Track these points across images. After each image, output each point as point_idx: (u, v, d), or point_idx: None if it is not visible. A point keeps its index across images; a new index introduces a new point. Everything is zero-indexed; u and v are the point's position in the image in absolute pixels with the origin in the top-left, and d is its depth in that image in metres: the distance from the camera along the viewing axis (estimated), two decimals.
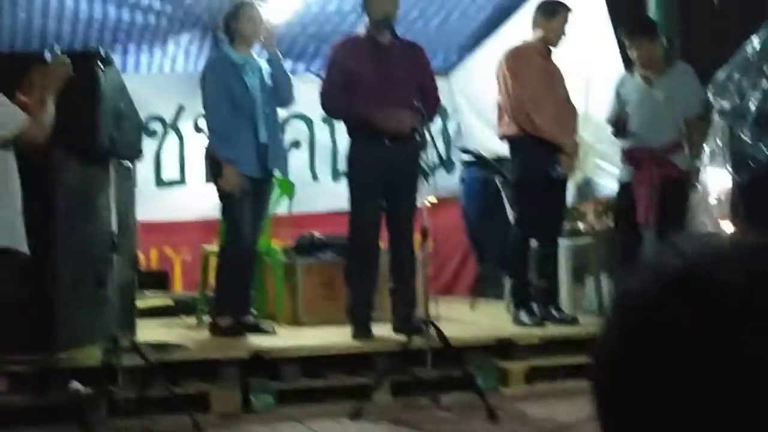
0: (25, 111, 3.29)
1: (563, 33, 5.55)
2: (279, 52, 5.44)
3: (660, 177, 5.41)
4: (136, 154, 4.93)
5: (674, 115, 5.50)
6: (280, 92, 5.33)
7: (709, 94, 5.53)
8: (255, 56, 5.41)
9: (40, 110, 3.28)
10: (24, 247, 3.26)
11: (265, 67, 5.40)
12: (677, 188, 5.43)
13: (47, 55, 3.47)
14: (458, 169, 7.49)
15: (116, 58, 6.90)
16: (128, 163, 4.87)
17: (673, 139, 5.48)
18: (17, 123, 3.19)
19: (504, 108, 5.50)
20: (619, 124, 5.59)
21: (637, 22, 5.75)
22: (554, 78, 5.56)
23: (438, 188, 4.90)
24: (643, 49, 5.50)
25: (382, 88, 4.94)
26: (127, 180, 4.75)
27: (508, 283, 6.01)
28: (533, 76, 5.43)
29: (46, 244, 4.08)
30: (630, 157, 5.55)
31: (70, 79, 3.54)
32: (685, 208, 5.49)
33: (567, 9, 5.53)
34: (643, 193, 5.41)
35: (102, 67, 4.13)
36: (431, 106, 5.07)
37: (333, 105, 5.21)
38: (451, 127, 8.06)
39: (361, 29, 5.25)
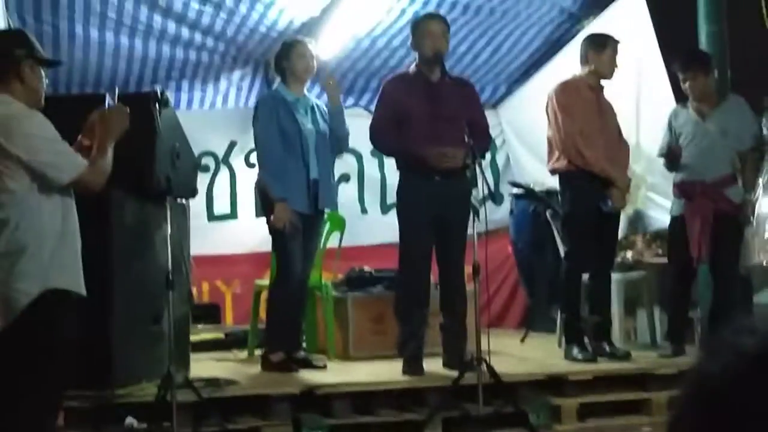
0: (86, 156, 3.36)
1: (614, 65, 5.53)
2: (343, 105, 5.51)
3: (713, 211, 5.37)
4: (191, 192, 5.00)
5: (728, 148, 5.46)
6: (338, 142, 5.40)
7: (764, 126, 5.49)
8: (307, 94, 5.47)
9: (100, 157, 3.34)
10: (82, 289, 3.33)
11: (318, 104, 5.46)
12: (731, 222, 5.39)
13: (108, 100, 3.55)
14: (507, 201, 7.48)
15: (170, 95, 7.06)
16: (183, 200, 4.94)
17: (727, 173, 5.44)
18: (77, 168, 3.26)
19: (554, 142, 5.48)
20: (672, 157, 5.56)
21: (691, 55, 5.72)
22: (605, 112, 5.54)
23: (488, 221, 4.89)
24: (697, 81, 5.47)
25: (433, 124, 4.97)
26: (182, 217, 4.81)
27: (558, 317, 5.97)
28: (583, 111, 5.41)
29: (104, 282, 4.15)
30: (683, 190, 5.52)
31: (129, 119, 3.60)
32: (739, 242, 5.43)
33: (616, 41, 5.52)
34: (695, 227, 5.37)
35: (159, 107, 4.21)
36: (482, 142, 5.08)
37: (383, 141, 5.24)
38: (500, 160, 8.07)
39: (411, 65, 5.29)
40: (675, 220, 5.59)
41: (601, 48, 5.49)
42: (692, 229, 5.38)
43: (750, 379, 0.72)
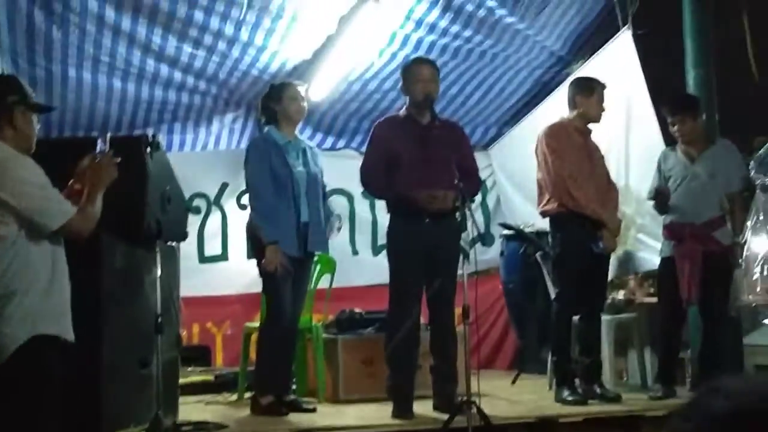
0: (77, 200, 3.37)
1: (602, 109, 5.58)
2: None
3: (702, 252, 5.40)
4: (181, 236, 5.01)
5: (716, 190, 5.51)
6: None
7: (752, 170, 5.53)
8: (299, 135, 5.51)
9: (89, 204, 3.36)
10: (70, 335, 3.33)
11: (309, 146, 5.50)
12: (720, 264, 5.41)
13: (100, 144, 3.56)
14: (498, 242, 7.51)
15: (162, 137, 7.11)
16: (173, 243, 4.95)
17: (716, 215, 5.48)
18: (65, 215, 3.27)
19: (544, 185, 5.50)
20: (661, 198, 5.60)
21: (680, 99, 5.78)
22: (593, 155, 5.58)
23: (477, 263, 4.91)
24: (686, 125, 5.53)
25: (423, 167, 4.99)
26: (172, 260, 4.82)
27: (549, 359, 5.97)
28: (573, 153, 5.45)
29: (93, 326, 4.14)
30: (672, 232, 5.55)
31: (120, 165, 3.62)
32: (728, 283, 5.45)
33: (603, 85, 5.57)
34: (685, 269, 5.40)
35: (150, 151, 4.24)
36: (472, 185, 5.10)
37: (373, 184, 5.27)
38: (491, 201, 8.11)
39: (401, 109, 5.33)
40: (665, 262, 5.62)
41: (589, 92, 5.54)
42: (682, 270, 5.41)
43: None
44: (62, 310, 3.29)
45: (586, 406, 5.27)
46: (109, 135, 3.60)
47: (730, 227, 5.54)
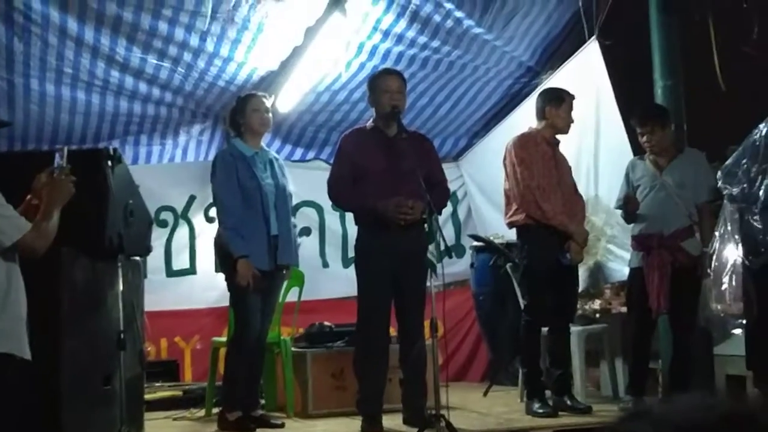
0: (34, 215, 3.30)
1: (570, 120, 5.57)
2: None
3: (671, 263, 5.40)
4: (144, 250, 4.94)
5: (684, 201, 5.51)
6: None
7: (719, 181, 5.54)
8: (265, 147, 5.45)
9: (45, 220, 3.29)
10: (27, 354, 3.25)
11: (275, 158, 5.46)
12: (688, 274, 5.41)
13: (56, 159, 3.49)
14: (468, 254, 7.48)
15: (128, 149, 7.04)
16: (137, 257, 4.88)
17: (684, 225, 5.48)
18: (20, 231, 3.20)
19: (512, 196, 5.48)
20: (629, 207, 5.59)
21: (648, 110, 5.79)
22: (561, 166, 5.57)
23: (447, 275, 4.87)
24: (654, 135, 5.53)
25: (390, 179, 4.96)
26: (135, 274, 4.74)
27: (520, 371, 5.94)
28: (541, 164, 5.43)
29: (54, 342, 4.07)
30: (640, 242, 5.55)
31: (79, 179, 3.56)
32: (697, 294, 5.46)
33: (571, 96, 5.57)
34: (654, 279, 5.39)
35: (111, 164, 4.17)
36: (440, 197, 5.08)
37: (341, 196, 5.23)
38: (462, 212, 8.09)
39: (368, 120, 5.30)
40: (633, 272, 5.61)
41: (558, 102, 5.53)
42: (651, 281, 5.40)
43: None
44: (17, 328, 3.22)
45: (556, 419, 5.25)
46: (66, 149, 3.52)
47: (698, 237, 5.54)
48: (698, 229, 5.57)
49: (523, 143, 5.48)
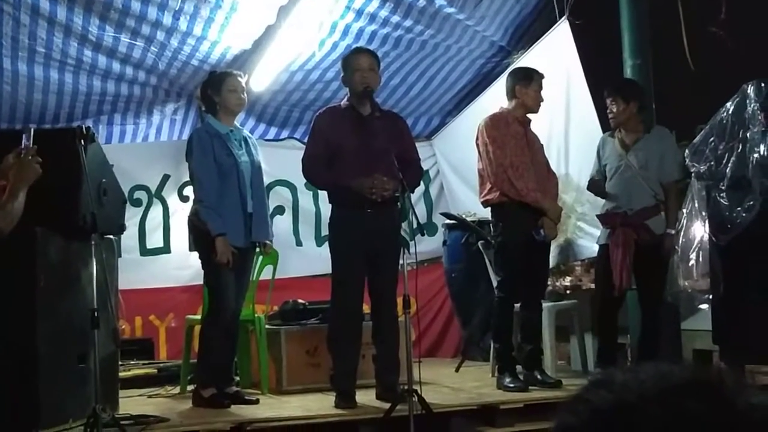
0: (1, 195, 3.31)
1: (540, 99, 5.62)
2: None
3: (635, 241, 5.48)
4: (118, 229, 4.96)
5: (649, 180, 5.59)
6: None
7: (686, 158, 5.62)
8: (238, 126, 5.48)
9: (9, 201, 3.30)
10: None
11: (248, 136, 5.48)
12: (652, 253, 5.50)
13: (24, 139, 3.49)
14: (441, 232, 7.55)
15: (101, 129, 7.03)
16: (111, 236, 4.89)
17: (649, 204, 5.56)
18: None
19: (486, 175, 5.53)
20: (595, 189, 5.68)
21: (616, 81, 5.87)
22: (533, 145, 5.63)
23: (420, 253, 4.93)
24: (615, 105, 5.60)
25: (364, 158, 5.00)
26: (109, 253, 4.76)
27: (492, 347, 6.03)
28: (513, 143, 5.49)
29: (28, 321, 4.10)
30: (606, 220, 5.63)
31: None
32: (662, 271, 5.55)
33: (540, 75, 5.62)
34: (617, 257, 5.48)
35: (84, 143, 4.19)
36: (413, 176, 5.12)
37: (315, 175, 5.27)
38: (434, 190, 8.15)
39: (342, 99, 5.33)
40: (601, 249, 5.69)
41: (527, 81, 5.58)
42: (614, 258, 5.48)
43: None
44: None
45: (526, 393, 5.33)
46: (32, 129, 3.51)
47: (664, 216, 5.63)
48: (664, 208, 5.66)
49: (495, 123, 5.53)
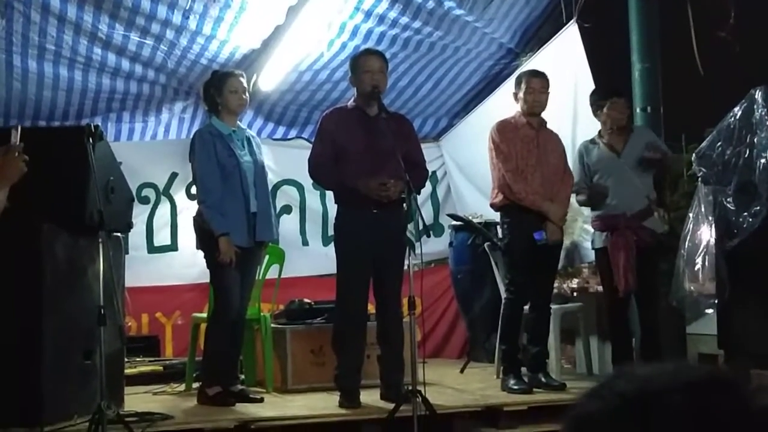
0: None
1: (536, 99, 5.59)
2: None
3: (635, 242, 5.49)
4: (125, 226, 4.98)
5: (644, 178, 5.61)
6: None
7: (693, 163, 5.63)
8: (241, 125, 5.49)
9: None
10: None
11: (252, 135, 5.51)
12: (652, 253, 5.52)
13: (12, 136, 3.44)
14: (447, 233, 7.56)
15: (110, 126, 7.05)
16: (118, 234, 4.92)
17: (644, 206, 5.57)
18: None
19: (492, 179, 5.62)
20: (598, 196, 5.67)
21: (612, 86, 5.89)
22: (545, 147, 5.60)
23: (426, 254, 4.94)
24: (621, 107, 5.62)
25: (370, 158, 5.02)
26: (117, 250, 4.78)
27: (497, 348, 6.04)
28: (516, 148, 5.53)
29: (35, 317, 4.13)
30: (605, 223, 5.62)
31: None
32: (661, 272, 5.56)
33: (537, 76, 5.61)
34: (619, 260, 5.48)
35: (93, 141, 4.21)
36: (418, 177, 5.13)
37: (321, 175, 5.29)
38: (441, 191, 8.15)
39: (350, 100, 5.35)
40: (601, 252, 5.68)
41: (518, 84, 5.63)
42: (617, 261, 5.48)
43: (625, 419, 0.78)
44: None
45: (530, 395, 5.34)
46: (19, 127, 3.47)
47: (656, 216, 5.66)
48: (656, 209, 5.70)
49: (500, 129, 5.62)
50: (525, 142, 5.56)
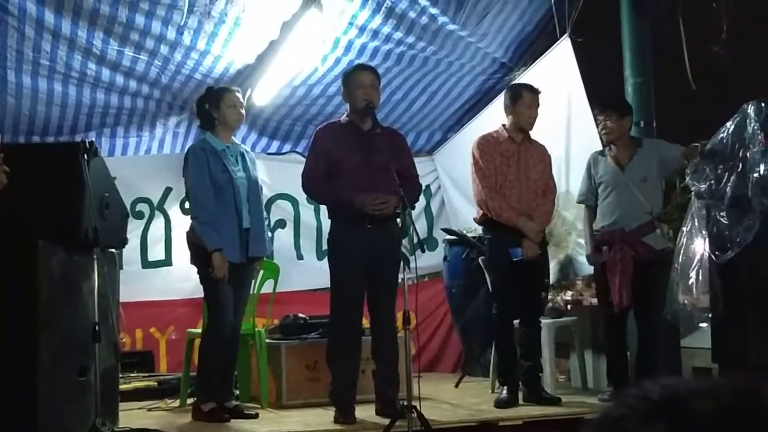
0: None
1: (531, 115, 5.61)
2: None
3: (633, 258, 5.49)
4: (120, 242, 4.98)
5: (648, 195, 5.62)
6: None
7: (687, 178, 5.64)
8: (235, 141, 5.50)
9: None
10: None
11: (246, 151, 5.51)
12: (651, 269, 5.52)
13: None
14: (441, 247, 7.57)
15: (104, 141, 7.06)
16: (113, 249, 4.91)
17: (645, 221, 5.58)
18: None
19: (473, 194, 5.67)
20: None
21: (607, 98, 5.91)
22: (526, 161, 5.61)
23: (420, 268, 4.95)
24: (612, 121, 5.63)
25: (364, 173, 5.03)
26: (111, 266, 4.78)
27: (491, 362, 6.04)
28: (495, 163, 5.54)
29: (29, 333, 4.12)
30: (603, 238, 5.63)
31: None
32: (660, 288, 5.56)
33: (532, 91, 5.62)
34: (615, 275, 5.48)
35: (87, 157, 4.21)
36: (412, 192, 5.13)
37: (315, 189, 5.30)
38: (435, 206, 8.17)
39: (343, 115, 5.36)
40: (598, 267, 5.70)
41: (515, 99, 5.62)
42: (613, 276, 5.49)
43: (652, 422, 0.79)
44: None
45: (525, 410, 5.34)
46: (1, 139, 3.48)
47: (659, 232, 5.65)
48: (659, 225, 5.69)
49: (480, 144, 5.65)
50: (505, 157, 5.57)
